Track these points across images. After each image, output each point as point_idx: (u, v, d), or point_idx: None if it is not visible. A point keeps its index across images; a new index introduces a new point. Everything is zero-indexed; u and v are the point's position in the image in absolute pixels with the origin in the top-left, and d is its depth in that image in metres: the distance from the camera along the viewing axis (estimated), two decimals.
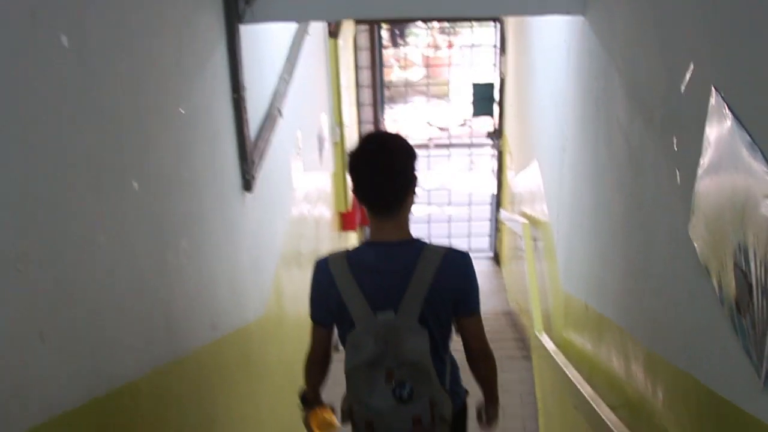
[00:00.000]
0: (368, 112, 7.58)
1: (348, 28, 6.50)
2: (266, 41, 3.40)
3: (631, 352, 2.19)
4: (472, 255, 2.15)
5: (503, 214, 7.09)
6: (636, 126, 2.08)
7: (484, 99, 7.55)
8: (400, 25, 11.54)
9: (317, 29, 5.20)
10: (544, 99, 4.32)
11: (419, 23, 12.76)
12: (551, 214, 4.02)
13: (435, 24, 12.77)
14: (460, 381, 2.26)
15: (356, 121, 7.45)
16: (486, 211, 8.88)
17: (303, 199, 4.43)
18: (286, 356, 3.85)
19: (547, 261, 4.29)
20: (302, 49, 4.19)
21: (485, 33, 11.31)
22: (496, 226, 8.35)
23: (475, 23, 8.74)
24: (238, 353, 2.85)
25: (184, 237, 2.15)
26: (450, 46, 12.68)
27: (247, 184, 2.94)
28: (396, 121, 11.03)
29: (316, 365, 2.22)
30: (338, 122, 5.81)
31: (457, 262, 2.06)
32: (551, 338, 3.86)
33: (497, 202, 8.21)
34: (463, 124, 11.14)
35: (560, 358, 3.14)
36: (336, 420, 2.29)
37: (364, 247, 2.10)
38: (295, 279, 4.20)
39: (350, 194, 6.26)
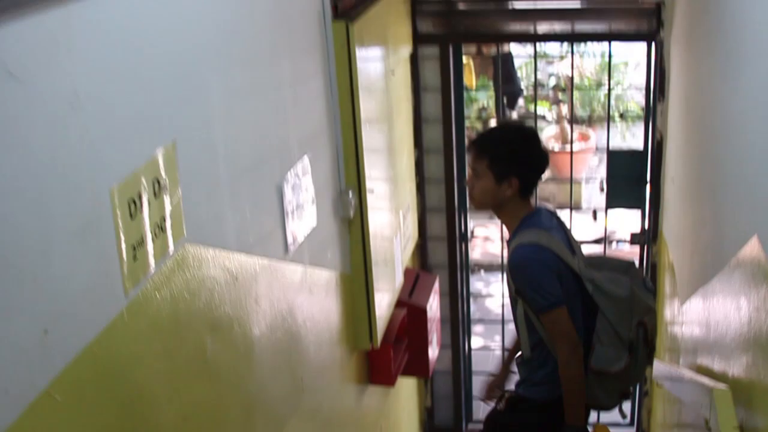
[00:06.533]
0: (436, 192, 5.21)
1: (393, 27, 4.22)
2: None
3: None
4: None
5: (659, 368, 4.49)
6: None
7: (627, 178, 5.06)
8: (508, 89, 9.14)
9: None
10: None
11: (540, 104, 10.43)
12: None
13: (563, 110, 10.43)
14: None
15: (415, 207, 5.08)
16: None
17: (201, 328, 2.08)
18: None
19: None
20: None
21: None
22: (644, 387, 5.69)
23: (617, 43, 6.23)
24: None
25: None
26: (583, 138, 10.29)
27: None
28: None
29: (581, 359, 2.95)
30: (353, 185, 3.47)
31: None
32: None
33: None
34: (597, 241, 8.50)
35: None
36: None
37: (535, 219, 3.04)
38: None
39: (380, 322, 3.85)
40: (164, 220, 1.91)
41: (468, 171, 3.24)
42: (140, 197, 1.79)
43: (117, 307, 1.71)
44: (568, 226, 3.21)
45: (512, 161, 3.02)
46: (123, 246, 1.72)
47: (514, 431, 3.28)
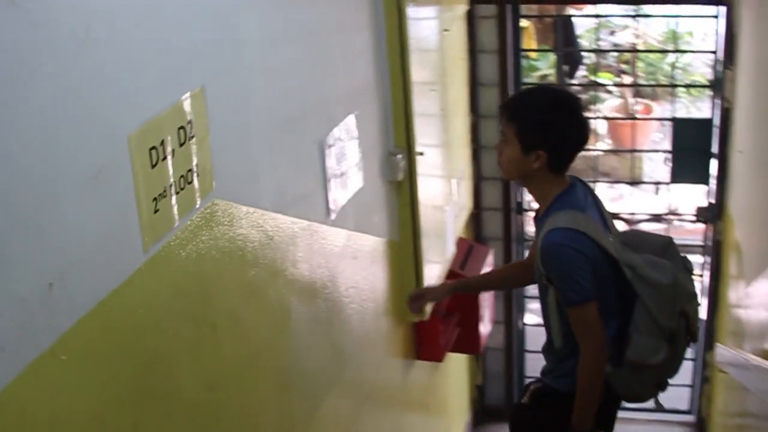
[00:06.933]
0: (492, 161, 5.02)
1: None
2: None
3: None
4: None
5: (722, 353, 4.29)
6: None
7: (693, 150, 4.83)
8: (568, 57, 8.85)
9: None
10: None
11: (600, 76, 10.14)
12: None
13: (626, 78, 10.13)
14: None
15: (470, 175, 4.91)
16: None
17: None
18: None
19: None
20: None
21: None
22: (704, 372, 5.47)
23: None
24: None
25: None
26: (647, 111, 9.98)
27: None
28: None
29: (605, 359, 2.69)
30: (403, 146, 3.32)
31: None
32: None
33: (708, 333, 5.34)
34: (661, 217, 8.23)
35: None
36: None
37: (571, 197, 2.71)
38: None
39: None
40: (191, 172, 1.77)
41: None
42: (163, 145, 1.65)
43: (134, 263, 1.59)
44: (602, 201, 2.90)
45: (540, 132, 2.68)
46: (142, 196, 1.58)
47: (544, 428, 3.01)
